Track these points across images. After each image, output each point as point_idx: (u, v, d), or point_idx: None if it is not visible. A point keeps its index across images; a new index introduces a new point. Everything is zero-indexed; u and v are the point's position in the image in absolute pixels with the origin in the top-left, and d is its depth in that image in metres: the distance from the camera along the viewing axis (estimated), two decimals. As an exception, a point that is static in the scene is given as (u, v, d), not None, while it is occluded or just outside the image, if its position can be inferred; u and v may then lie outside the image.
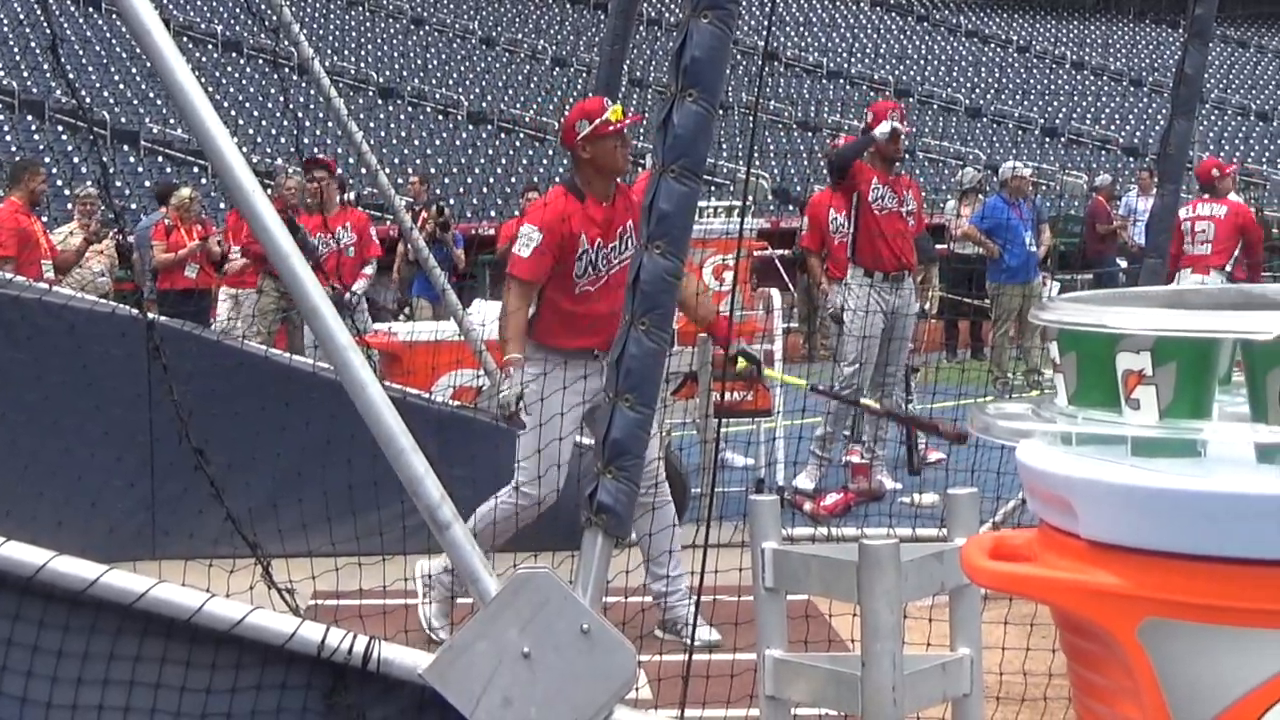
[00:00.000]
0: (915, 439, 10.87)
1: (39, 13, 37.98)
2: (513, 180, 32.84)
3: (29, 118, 33.95)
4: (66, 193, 20.16)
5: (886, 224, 11.41)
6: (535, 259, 7.80)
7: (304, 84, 25.71)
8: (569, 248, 7.81)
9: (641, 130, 38.34)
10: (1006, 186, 18.12)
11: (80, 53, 37.42)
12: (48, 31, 36.01)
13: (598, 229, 7.86)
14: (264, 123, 35.62)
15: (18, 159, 19.11)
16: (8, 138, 31.95)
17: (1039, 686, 6.60)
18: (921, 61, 51.47)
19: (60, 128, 33.53)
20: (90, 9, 41.52)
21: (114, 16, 39.37)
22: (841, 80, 48.53)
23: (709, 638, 7.24)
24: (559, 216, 7.83)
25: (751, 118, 12.77)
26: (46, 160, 26.18)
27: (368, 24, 47.28)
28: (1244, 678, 2.75)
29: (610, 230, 7.89)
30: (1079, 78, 53.19)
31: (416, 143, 36.85)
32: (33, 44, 37.70)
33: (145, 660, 4.53)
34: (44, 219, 15.19)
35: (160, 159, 33.45)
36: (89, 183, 22.37)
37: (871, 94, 47.57)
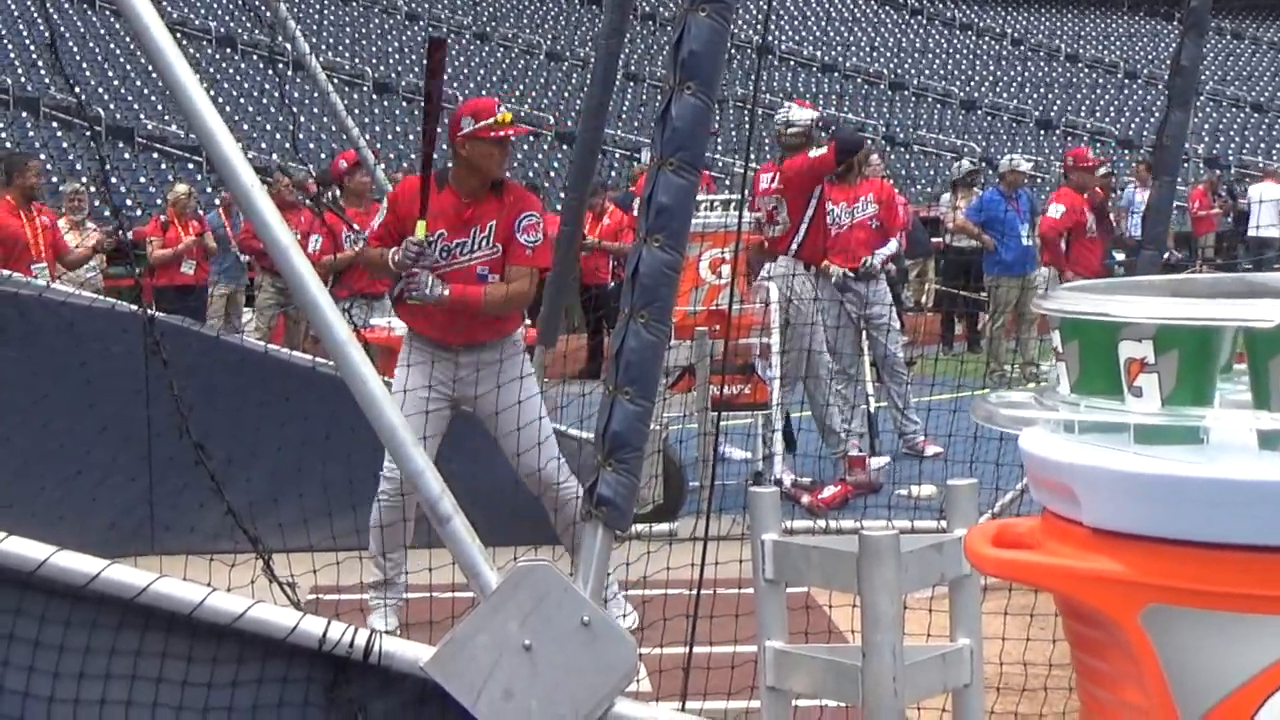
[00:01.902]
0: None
1: (34, 10, 38.05)
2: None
3: (24, 115, 33.93)
4: (62, 189, 20.13)
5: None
6: (380, 229, 8.01)
7: (299, 80, 25.76)
8: (408, 229, 7.84)
9: (638, 123, 38.44)
10: (1004, 180, 18.14)
11: (75, 50, 37.39)
12: (43, 29, 36.07)
13: (443, 221, 7.86)
14: (259, 119, 35.59)
15: (12, 154, 18.93)
16: (2, 134, 31.93)
17: (1039, 677, 6.61)
18: (916, 54, 51.52)
19: (55, 124, 33.51)
20: (85, 6, 41.50)
21: (109, 13, 39.43)
22: (837, 74, 48.53)
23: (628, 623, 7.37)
24: (407, 197, 7.92)
25: (747, 111, 12.76)
26: (41, 156, 26.18)
27: (362, 19, 47.27)
28: (1247, 663, 2.76)
29: (461, 227, 7.88)
30: (1074, 70, 53.23)
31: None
32: (28, 41, 37.71)
33: (147, 655, 4.54)
34: (44, 218, 14.79)
35: (155, 155, 33.45)
36: (82, 179, 22.39)
37: (866, 87, 47.64)
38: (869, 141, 12.34)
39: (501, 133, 7.84)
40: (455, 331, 7.87)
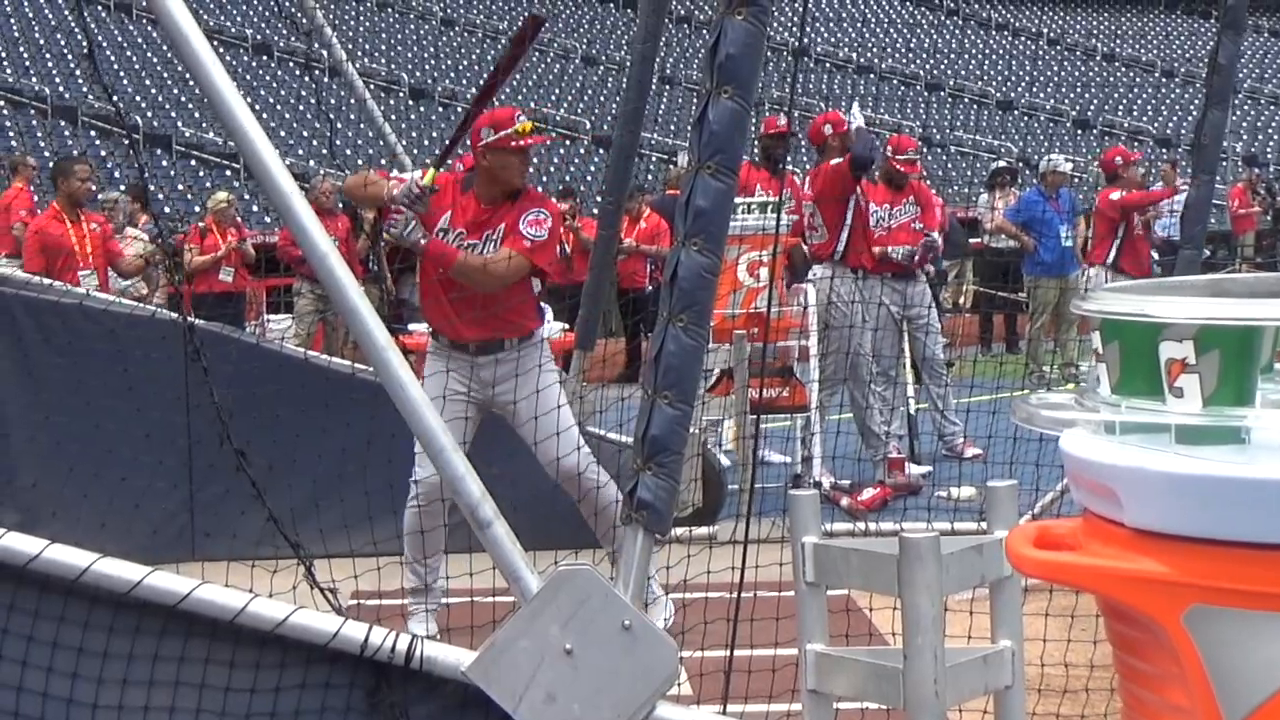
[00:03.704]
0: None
1: (71, 21, 38.22)
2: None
3: (62, 123, 34.06)
4: (100, 197, 20.17)
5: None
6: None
7: (336, 86, 25.82)
8: (432, 219, 7.90)
9: (674, 127, 38.43)
10: (1044, 180, 18.07)
11: (113, 59, 37.53)
12: (81, 39, 36.21)
13: (464, 220, 7.94)
14: (296, 125, 35.68)
15: (61, 160, 18.94)
16: (41, 143, 32.07)
17: (1080, 678, 6.60)
18: (953, 55, 51.38)
19: (94, 133, 33.64)
20: (122, 15, 41.66)
21: (146, 23, 39.57)
22: (872, 75, 48.45)
23: (665, 614, 7.39)
24: (441, 186, 7.98)
25: (785, 114, 12.75)
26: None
27: (398, 25, 47.35)
28: (1290, 664, 2.76)
29: (476, 230, 7.93)
30: (1111, 69, 53.03)
31: (448, 143, 36.86)
32: (66, 51, 37.86)
33: (190, 661, 4.56)
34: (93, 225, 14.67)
35: (193, 162, 33.55)
36: (120, 187, 22.43)
37: (903, 88, 47.54)
38: (883, 152, 12.30)
39: (521, 142, 7.88)
40: (467, 324, 7.90)
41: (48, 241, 14.01)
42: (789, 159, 13.39)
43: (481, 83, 8.32)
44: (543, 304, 8.42)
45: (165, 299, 15.82)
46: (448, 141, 8.28)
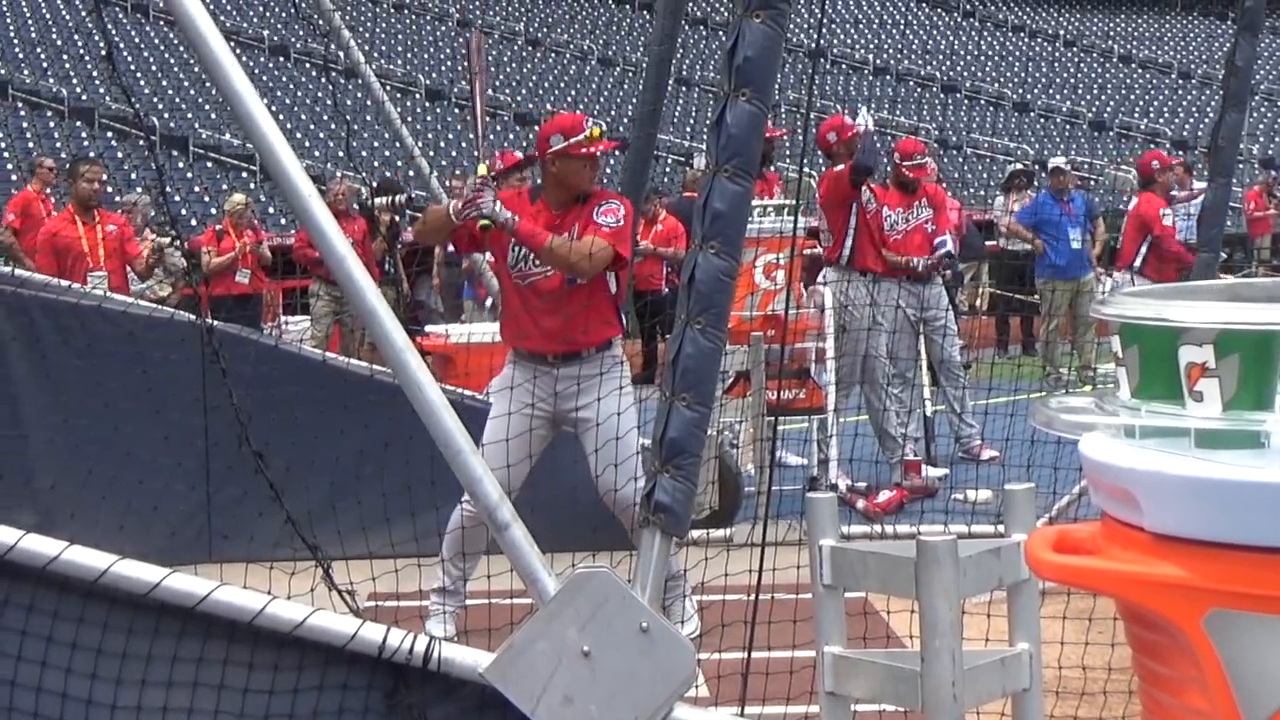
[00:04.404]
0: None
1: (90, 23, 38.29)
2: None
3: (80, 125, 34.13)
4: (118, 199, 20.19)
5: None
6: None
7: (353, 88, 25.86)
8: (505, 235, 7.85)
9: (690, 129, 38.41)
10: (1052, 182, 18.14)
11: (131, 60, 37.60)
12: (99, 40, 36.27)
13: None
14: (313, 127, 35.74)
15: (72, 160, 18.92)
16: (58, 144, 32.13)
17: (1098, 681, 6.59)
18: (969, 57, 51.34)
19: (111, 134, 33.70)
20: (140, 17, 41.74)
21: (164, 24, 39.65)
22: (889, 77, 48.45)
23: (691, 629, 7.37)
24: (505, 200, 7.92)
25: (801, 116, 12.76)
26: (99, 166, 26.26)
27: (414, 27, 47.41)
28: (1311, 669, 2.76)
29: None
30: (1127, 71, 52.98)
31: (465, 144, 36.92)
32: (84, 53, 37.94)
33: (208, 662, 4.57)
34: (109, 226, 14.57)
35: (210, 164, 33.61)
36: (138, 189, 22.41)
37: (920, 90, 47.52)
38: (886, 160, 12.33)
39: (591, 149, 7.85)
40: (555, 340, 7.88)
41: (58, 243, 13.99)
42: (805, 162, 13.38)
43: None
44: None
45: (179, 300, 15.80)
46: (478, 145, 8.24)
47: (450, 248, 18.52)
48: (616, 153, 29.07)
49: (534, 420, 7.81)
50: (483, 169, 7.86)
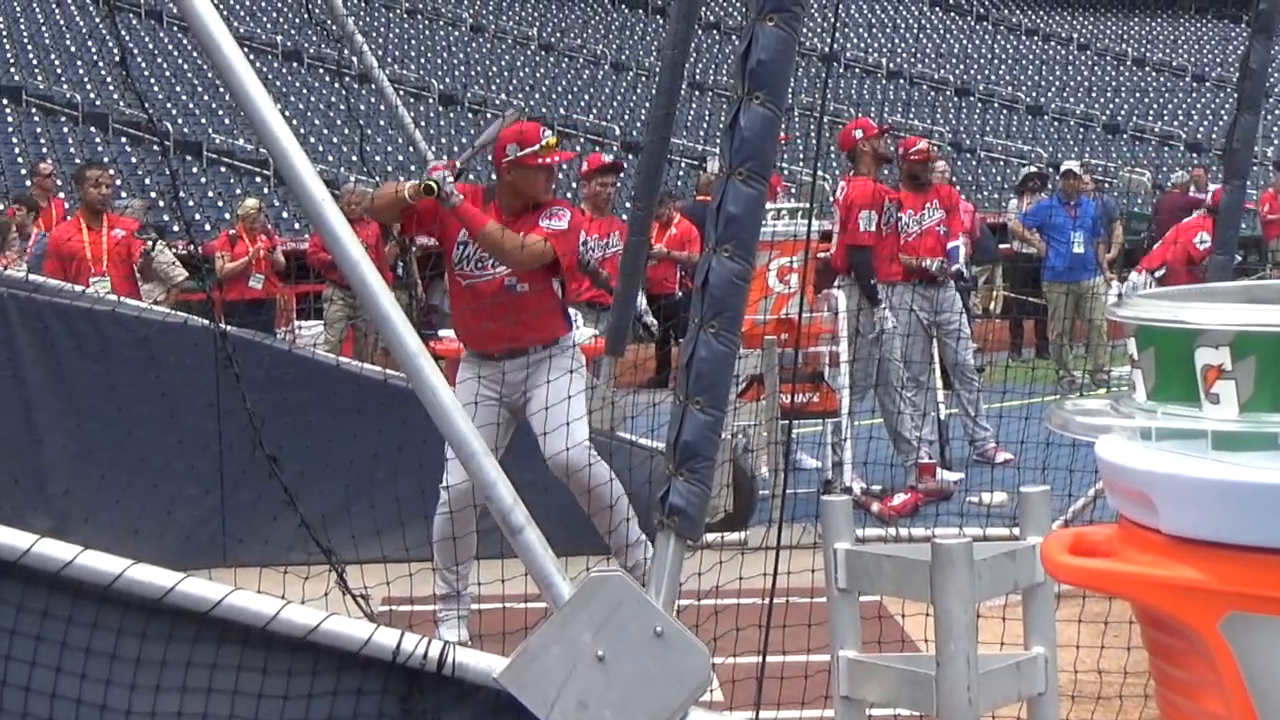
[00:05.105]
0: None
1: (103, 28, 38.33)
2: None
3: (93, 130, 34.18)
4: (115, 203, 20.15)
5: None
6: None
7: (366, 92, 25.89)
8: (452, 230, 7.92)
9: (704, 132, 38.42)
10: (1062, 185, 18.22)
11: (144, 66, 37.64)
12: (113, 46, 36.33)
13: None
14: (326, 132, 35.76)
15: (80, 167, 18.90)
16: (72, 149, 32.18)
17: (1114, 685, 6.57)
18: (982, 60, 51.30)
19: (124, 140, 33.74)
20: (153, 23, 41.79)
21: (177, 30, 39.69)
22: (902, 80, 48.41)
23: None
24: (461, 190, 7.93)
25: (815, 119, 12.76)
26: (111, 171, 26.31)
27: (428, 32, 47.43)
28: (1328, 671, 2.75)
29: None
30: (1142, 74, 52.92)
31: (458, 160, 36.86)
32: (98, 58, 38.00)
33: (222, 668, 4.56)
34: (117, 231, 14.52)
35: (224, 169, 33.64)
36: (122, 194, 22.36)
37: (933, 94, 47.48)
38: None
39: (546, 159, 7.93)
40: (491, 335, 7.93)
41: (62, 248, 13.98)
42: (820, 166, 13.36)
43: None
44: (572, 310, 8.42)
45: (173, 303, 15.75)
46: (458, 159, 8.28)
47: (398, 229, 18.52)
48: (631, 156, 29.02)
49: (492, 412, 7.86)
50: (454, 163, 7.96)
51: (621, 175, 16.03)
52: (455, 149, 35.39)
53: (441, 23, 48.41)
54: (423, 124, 34.00)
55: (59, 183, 18.52)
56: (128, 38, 38.39)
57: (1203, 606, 2.81)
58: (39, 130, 33.62)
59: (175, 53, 39.92)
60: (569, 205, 8.31)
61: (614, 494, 7.82)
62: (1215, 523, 2.80)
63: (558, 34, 48.55)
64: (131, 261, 14.41)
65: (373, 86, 11.34)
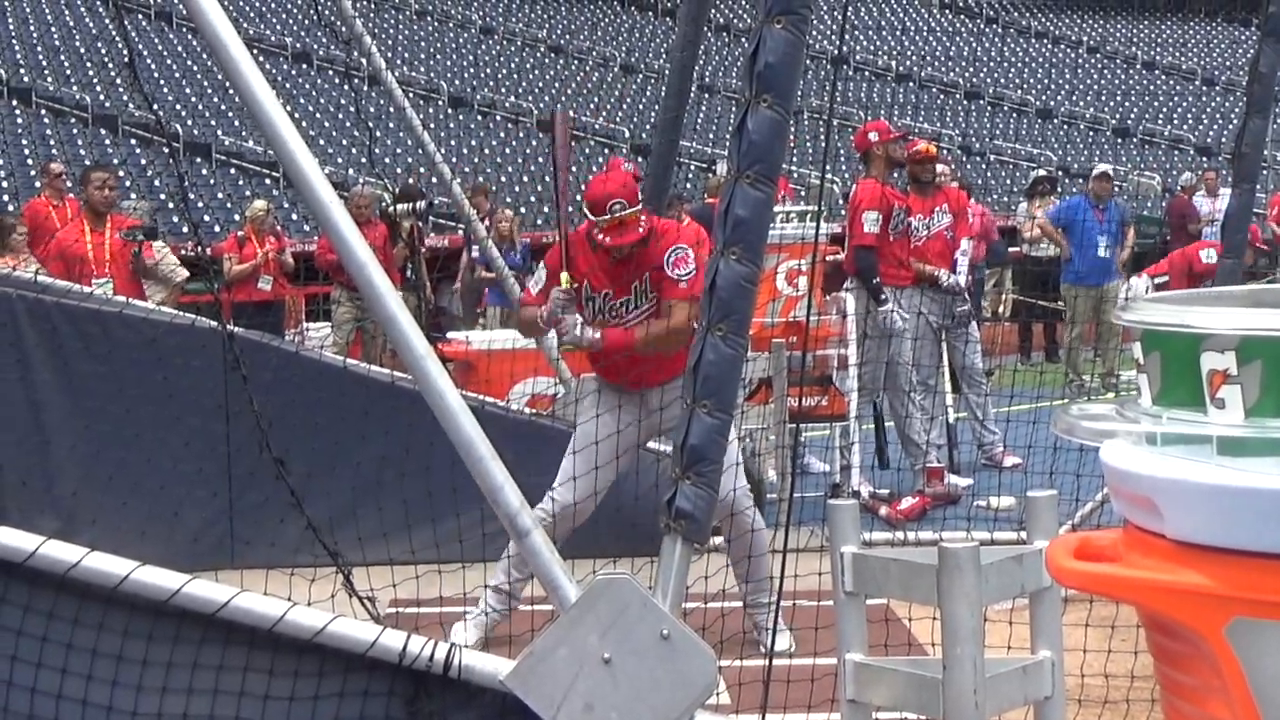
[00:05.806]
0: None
1: (112, 30, 38.38)
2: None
3: (102, 132, 34.21)
4: (122, 205, 20.11)
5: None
6: (538, 294, 7.92)
7: (375, 95, 25.88)
8: (585, 282, 7.86)
9: (713, 135, 38.40)
10: (1092, 188, 18.11)
11: (153, 67, 37.67)
12: (122, 47, 36.34)
13: (604, 279, 7.85)
14: (335, 133, 35.78)
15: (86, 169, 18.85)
16: (81, 151, 32.21)
17: (1120, 689, 6.57)
18: (992, 63, 51.30)
19: (134, 141, 33.77)
20: (162, 24, 41.84)
21: (186, 31, 39.73)
22: (911, 83, 48.39)
23: (786, 645, 7.21)
24: (558, 259, 7.85)
25: (824, 122, 12.76)
26: (120, 173, 26.32)
27: (437, 34, 47.45)
28: (1334, 677, 2.74)
29: (618, 284, 7.84)
30: (1151, 77, 52.89)
31: (487, 151, 36.95)
32: (107, 60, 38.03)
33: (229, 669, 4.56)
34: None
35: (232, 171, 33.66)
36: (133, 195, 22.33)
37: (942, 97, 47.46)
38: None
39: (605, 237, 7.71)
40: (629, 377, 7.87)
41: (65, 250, 13.96)
42: (829, 169, 13.36)
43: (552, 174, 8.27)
44: None
45: (174, 303, 15.74)
46: (559, 224, 8.11)
47: (475, 252, 18.52)
48: (640, 158, 29.01)
49: (623, 441, 7.79)
50: (565, 279, 7.75)
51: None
52: (465, 150, 35.44)
53: (451, 25, 48.42)
54: (432, 126, 34.00)
55: (69, 184, 18.46)
56: (137, 39, 38.47)
57: (1207, 611, 2.81)
58: (48, 131, 33.65)
59: (184, 54, 39.95)
60: (683, 232, 8.14)
61: (763, 543, 7.77)
62: (1220, 528, 2.80)
63: (567, 36, 48.57)
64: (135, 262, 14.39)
65: (382, 88, 11.32)
